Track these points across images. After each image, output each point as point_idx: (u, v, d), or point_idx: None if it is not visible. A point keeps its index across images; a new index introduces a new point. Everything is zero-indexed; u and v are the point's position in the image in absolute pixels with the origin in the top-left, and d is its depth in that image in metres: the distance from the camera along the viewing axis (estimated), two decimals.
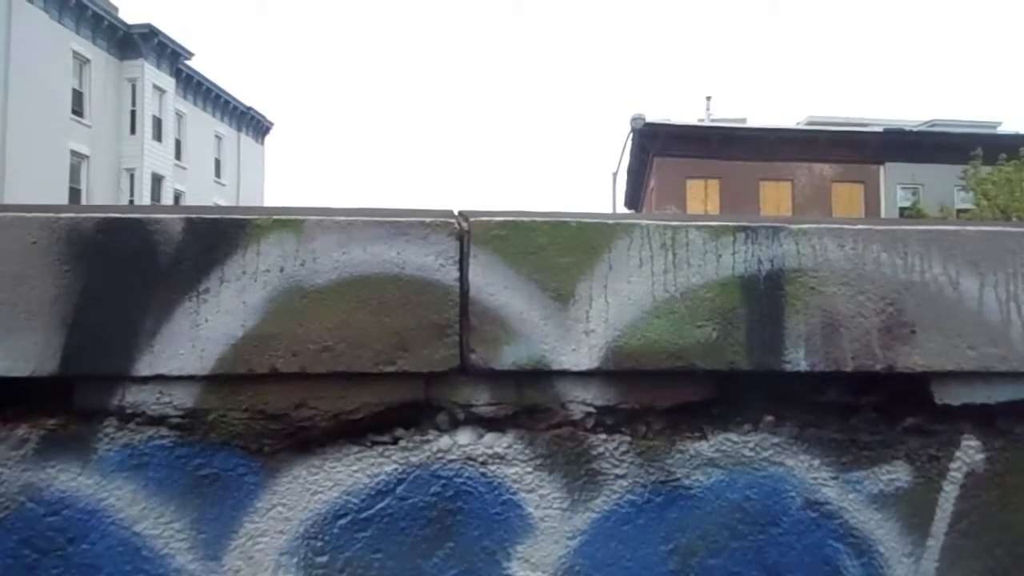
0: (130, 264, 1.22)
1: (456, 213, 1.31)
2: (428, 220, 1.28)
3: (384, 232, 1.26)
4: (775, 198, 25.83)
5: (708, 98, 28.44)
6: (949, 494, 1.35)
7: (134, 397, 1.24)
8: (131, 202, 27.38)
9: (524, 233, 1.28)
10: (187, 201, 31.01)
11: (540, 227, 1.29)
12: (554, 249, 1.29)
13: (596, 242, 1.29)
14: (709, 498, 1.32)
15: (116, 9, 29.15)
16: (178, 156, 31.80)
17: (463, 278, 1.27)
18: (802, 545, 1.33)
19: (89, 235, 1.21)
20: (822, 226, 1.33)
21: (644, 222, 1.31)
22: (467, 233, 1.28)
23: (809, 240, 1.32)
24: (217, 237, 1.24)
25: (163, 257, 1.22)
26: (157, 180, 30.13)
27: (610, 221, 1.32)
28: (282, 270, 1.24)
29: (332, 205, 1.31)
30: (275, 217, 1.26)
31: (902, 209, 25.53)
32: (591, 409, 1.31)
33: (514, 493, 1.28)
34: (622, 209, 29.24)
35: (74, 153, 26.86)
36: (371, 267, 1.26)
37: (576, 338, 1.28)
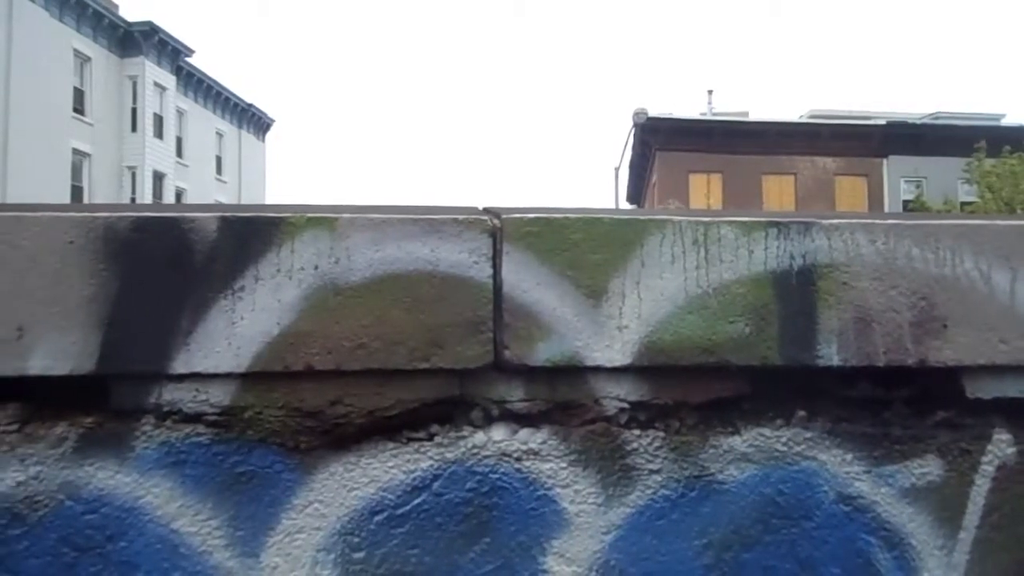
0: (166, 263, 1.22)
1: (481, 209, 1.31)
2: (461, 217, 1.28)
3: (417, 229, 1.27)
4: (778, 192, 25.81)
5: (710, 92, 28.32)
6: (981, 487, 1.36)
7: (171, 395, 1.24)
8: (132, 200, 27.37)
9: (556, 230, 1.29)
10: (189, 199, 31.00)
11: (573, 224, 1.29)
12: (587, 246, 1.29)
13: (628, 239, 1.30)
14: (742, 492, 1.32)
15: (116, 7, 29.11)
16: (179, 153, 31.79)
17: (496, 275, 1.27)
18: (835, 539, 1.33)
19: (125, 234, 1.21)
20: (853, 221, 1.33)
21: (676, 218, 1.32)
22: (499, 230, 1.28)
23: (841, 235, 1.32)
24: (251, 235, 1.24)
25: (198, 256, 1.23)
26: (159, 178, 30.13)
27: (642, 217, 1.32)
28: (316, 268, 1.25)
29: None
30: (309, 215, 1.26)
31: (905, 202, 25.49)
32: (624, 405, 1.31)
33: (549, 489, 1.29)
34: (624, 204, 29.20)
35: (76, 151, 26.86)
36: (405, 264, 1.26)
37: (609, 334, 1.28)
